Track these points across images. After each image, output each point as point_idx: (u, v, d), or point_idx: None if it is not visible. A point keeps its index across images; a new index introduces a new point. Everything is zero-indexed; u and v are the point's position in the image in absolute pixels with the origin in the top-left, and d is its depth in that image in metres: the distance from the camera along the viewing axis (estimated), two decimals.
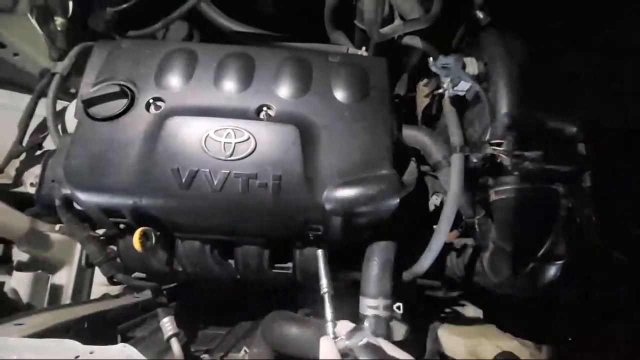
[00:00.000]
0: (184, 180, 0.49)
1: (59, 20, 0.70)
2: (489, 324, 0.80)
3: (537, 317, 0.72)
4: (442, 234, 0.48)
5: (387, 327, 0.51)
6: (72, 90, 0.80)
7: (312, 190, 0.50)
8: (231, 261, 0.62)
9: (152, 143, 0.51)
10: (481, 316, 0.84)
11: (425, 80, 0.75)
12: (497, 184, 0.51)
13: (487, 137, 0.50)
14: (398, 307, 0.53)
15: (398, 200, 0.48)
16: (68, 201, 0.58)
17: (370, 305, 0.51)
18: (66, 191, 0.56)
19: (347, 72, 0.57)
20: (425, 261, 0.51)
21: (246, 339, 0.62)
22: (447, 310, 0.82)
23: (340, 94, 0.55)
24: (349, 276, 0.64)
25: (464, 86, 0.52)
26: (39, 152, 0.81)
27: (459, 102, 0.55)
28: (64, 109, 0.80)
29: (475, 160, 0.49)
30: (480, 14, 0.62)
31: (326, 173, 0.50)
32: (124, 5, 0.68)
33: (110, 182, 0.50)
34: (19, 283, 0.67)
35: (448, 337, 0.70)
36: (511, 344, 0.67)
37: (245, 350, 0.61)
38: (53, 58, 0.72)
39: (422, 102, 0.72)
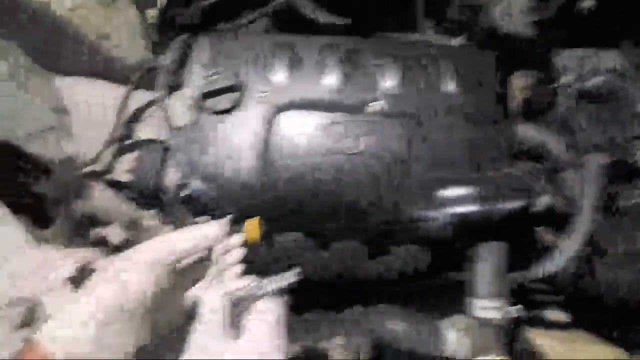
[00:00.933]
0: (298, 174, 0.50)
1: (151, 12, 0.72)
2: (579, 330, 0.77)
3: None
4: (575, 242, 0.45)
5: None
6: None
7: (430, 187, 0.49)
8: (327, 254, 0.62)
9: (267, 136, 0.52)
10: (569, 320, 0.81)
11: (521, 72, 0.71)
12: (632, 187, 0.48)
13: (626, 137, 0.47)
14: (518, 310, 0.51)
15: (528, 201, 0.47)
16: (180, 190, 0.60)
17: (486, 307, 0.50)
18: (179, 182, 0.58)
19: (454, 63, 0.55)
20: (549, 266, 0.49)
21: (340, 329, 0.63)
22: (533, 311, 0.79)
23: (449, 86, 0.53)
24: (446, 276, 0.63)
25: (596, 81, 0.49)
26: (129, 142, 0.85)
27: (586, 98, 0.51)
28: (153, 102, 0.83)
29: (609, 161, 0.46)
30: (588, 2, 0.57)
31: (445, 169, 0.49)
32: None
33: (226, 175, 0.51)
34: None
35: (541, 339, 0.67)
36: (610, 351, 0.64)
37: (338, 341, 0.62)
38: (147, 50, 0.74)
39: (519, 94, 0.68)
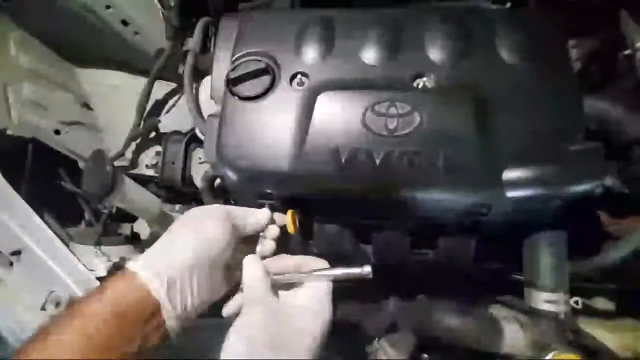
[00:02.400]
0: (343, 160, 0.46)
1: None
2: (628, 318, 0.72)
3: None
4: None
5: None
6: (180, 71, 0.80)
7: (490, 169, 0.44)
8: (368, 246, 0.59)
9: (305, 121, 0.47)
10: (613, 308, 0.77)
11: (573, 42, 0.65)
12: None
13: None
14: (576, 302, 0.47)
15: (603, 180, 0.42)
16: (211, 183, 0.58)
17: (549, 300, 0.46)
18: (212, 173, 0.56)
19: (514, 29, 0.49)
20: (616, 255, 0.45)
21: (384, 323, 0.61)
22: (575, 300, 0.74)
23: (510, 56, 0.48)
24: (487, 264, 0.59)
25: None
26: (153, 135, 0.84)
27: None
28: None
29: None
30: None
31: (507, 148, 0.44)
32: None
33: (264, 163, 0.48)
34: None
35: (594, 331, 0.63)
36: None
37: (384, 339, 0.59)
38: (168, 37, 0.71)
39: (580, 63, 0.61)
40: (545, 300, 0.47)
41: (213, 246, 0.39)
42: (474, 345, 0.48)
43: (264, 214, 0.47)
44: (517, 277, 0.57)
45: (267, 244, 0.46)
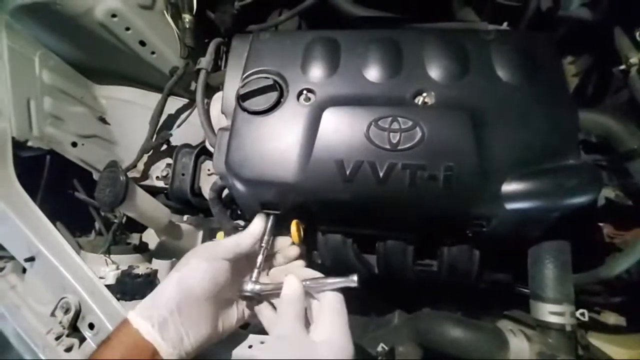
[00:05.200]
0: (348, 172, 0.48)
1: (187, 17, 0.73)
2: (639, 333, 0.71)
3: None
4: None
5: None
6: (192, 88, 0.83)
7: (489, 182, 0.45)
8: (372, 256, 0.60)
9: (311, 135, 0.50)
10: (624, 324, 0.75)
11: (570, 58, 0.67)
12: None
13: None
14: (582, 314, 0.47)
15: (597, 194, 0.43)
16: (219, 193, 0.60)
17: (554, 312, 0.46)
18: (221, 184, 0.58)
19: (509, 49, 0.51)
20: (621, 266, 0.45)
21: (387, 335, 0.60)
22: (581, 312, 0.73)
23: (506, 74, 0.50)
24: (492, 277, 0.59)
25: None
26: (164, 148, 0.87)
27: None
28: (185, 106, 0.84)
29: None
30: None
31: (504, 163, 0.45)
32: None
33: (272, 174, 0.50)
34: (160, 271, 0.72)
35: (605, 346, 0.62)
36: None
37: (383, 347, 0.59)
38: (182, 56, 0.75)
39: (573, 80, 0.63)
40: (550, 312, 0.47)
41: (196, 278, 0.41)
42: (478, 357, 0.47)
43: (257, 225, 0.50)
44: (522, 289, 0.57)
45: (296, 263, 0.51)
